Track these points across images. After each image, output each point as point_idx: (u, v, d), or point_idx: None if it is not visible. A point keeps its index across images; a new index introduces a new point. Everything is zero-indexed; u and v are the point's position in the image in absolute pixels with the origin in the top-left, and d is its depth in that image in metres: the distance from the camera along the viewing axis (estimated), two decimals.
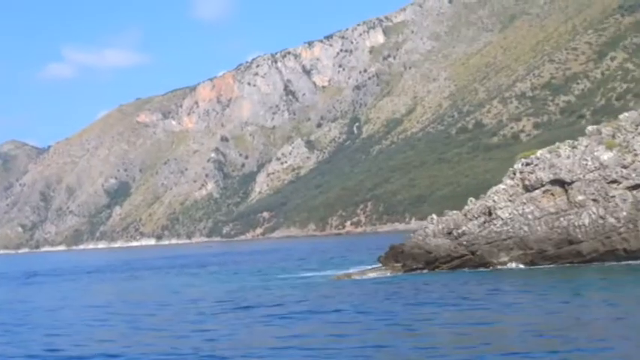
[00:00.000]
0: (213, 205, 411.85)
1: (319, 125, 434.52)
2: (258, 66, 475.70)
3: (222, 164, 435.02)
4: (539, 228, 50.60)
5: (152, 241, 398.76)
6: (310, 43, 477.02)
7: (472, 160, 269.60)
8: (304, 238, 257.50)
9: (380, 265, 58.08)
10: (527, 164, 53.45)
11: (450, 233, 53.30)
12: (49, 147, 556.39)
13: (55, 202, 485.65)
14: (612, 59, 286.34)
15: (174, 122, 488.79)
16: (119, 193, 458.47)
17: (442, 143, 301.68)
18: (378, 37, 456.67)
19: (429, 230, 55.12)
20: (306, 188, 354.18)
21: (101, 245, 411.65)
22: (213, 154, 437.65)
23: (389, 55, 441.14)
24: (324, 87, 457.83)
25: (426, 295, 39.22)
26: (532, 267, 50.28)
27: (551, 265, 49.97)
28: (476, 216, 52.82)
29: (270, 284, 54.57)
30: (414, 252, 54.10)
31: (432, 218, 56.76)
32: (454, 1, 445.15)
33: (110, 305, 47.14)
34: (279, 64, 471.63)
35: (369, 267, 60.26)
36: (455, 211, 55.21)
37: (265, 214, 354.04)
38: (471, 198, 56.10)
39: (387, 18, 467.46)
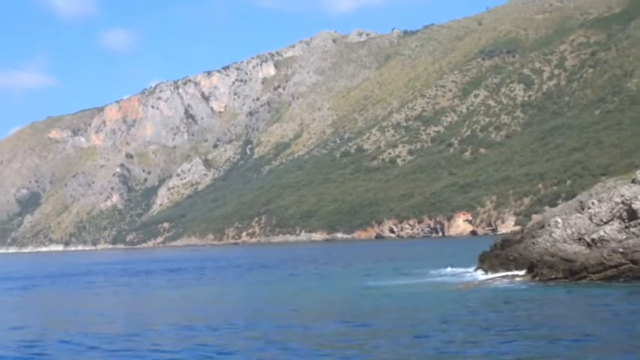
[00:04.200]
0: (118, 215, 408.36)
1: (215, 146, 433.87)
2: (161, 91, 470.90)
3: (126, 178, 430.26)
4: None
5: (60, 247, 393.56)
6: (209, 73, 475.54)
7: (355, 180, 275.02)
8: (225, 247, 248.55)
9: (487, 273, 47.90)
10: None
11: (580, 239, 41.98)
12: None
13: None
14: (475, 96, 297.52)
15: (83, 139, 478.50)
16: (30, 203, 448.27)
17: (328, 165, 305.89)
18: (269, 70, 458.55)
19: (557, 235, 43.35)
20: (204, 202, 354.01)
21: (12, 250, 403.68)
22: (118, 169, 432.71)
23: (279, 86, 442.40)
24: (220, 112, 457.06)
25: None
26: None
27: None
28: (605, 220, 41.47)
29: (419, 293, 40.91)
30: (548, 260, 42.54)
31: (557, 222, 44.11)
32: (337, 41, 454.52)
33: None
34: (181, 90, 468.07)
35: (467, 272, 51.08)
36: (578, 214, 43.92)
37: (166, 225, 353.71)
38: (593, 200, 43.74)
39: (278, 53, 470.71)
